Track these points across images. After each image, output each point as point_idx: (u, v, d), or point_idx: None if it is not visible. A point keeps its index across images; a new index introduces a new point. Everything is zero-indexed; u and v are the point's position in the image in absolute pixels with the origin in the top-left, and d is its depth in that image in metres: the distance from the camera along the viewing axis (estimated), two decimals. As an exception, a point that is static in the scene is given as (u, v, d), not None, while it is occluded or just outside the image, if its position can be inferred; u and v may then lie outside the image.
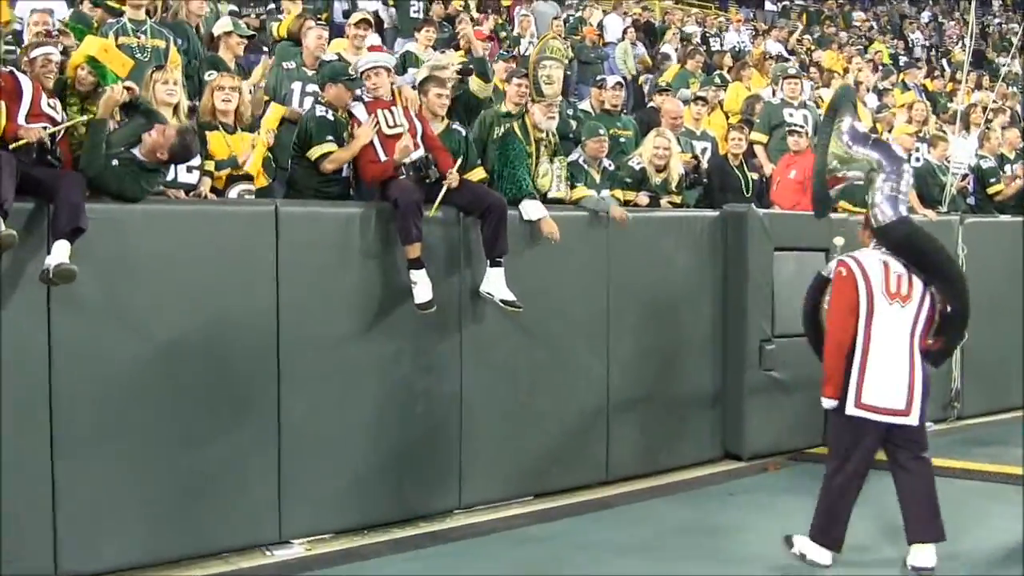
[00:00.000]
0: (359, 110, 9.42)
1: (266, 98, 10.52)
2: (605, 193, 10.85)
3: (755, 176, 13.12)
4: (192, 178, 8.64)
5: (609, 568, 8.26)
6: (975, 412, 13.51)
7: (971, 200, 14.93)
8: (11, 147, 7.58)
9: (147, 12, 10.74)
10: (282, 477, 8.56)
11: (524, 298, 9.45)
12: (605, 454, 10.55)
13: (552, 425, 10.11)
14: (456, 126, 10.18)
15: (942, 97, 22.39)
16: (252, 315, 8.43)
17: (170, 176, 8.43)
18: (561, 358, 10.14)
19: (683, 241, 11.18)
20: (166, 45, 10.43)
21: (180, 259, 8.10)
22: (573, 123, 12.47)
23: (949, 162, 14.13)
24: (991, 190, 14.98)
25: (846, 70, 21.21)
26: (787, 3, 34.73)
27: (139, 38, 10.25)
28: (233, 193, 8.94)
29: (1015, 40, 27.57)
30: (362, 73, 9.59)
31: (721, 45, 23.25)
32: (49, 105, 8.09)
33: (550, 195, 10.46)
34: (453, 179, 9.21)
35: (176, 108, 8.88)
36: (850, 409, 7.96)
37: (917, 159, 14.52)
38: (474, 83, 11.01)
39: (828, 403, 8.14)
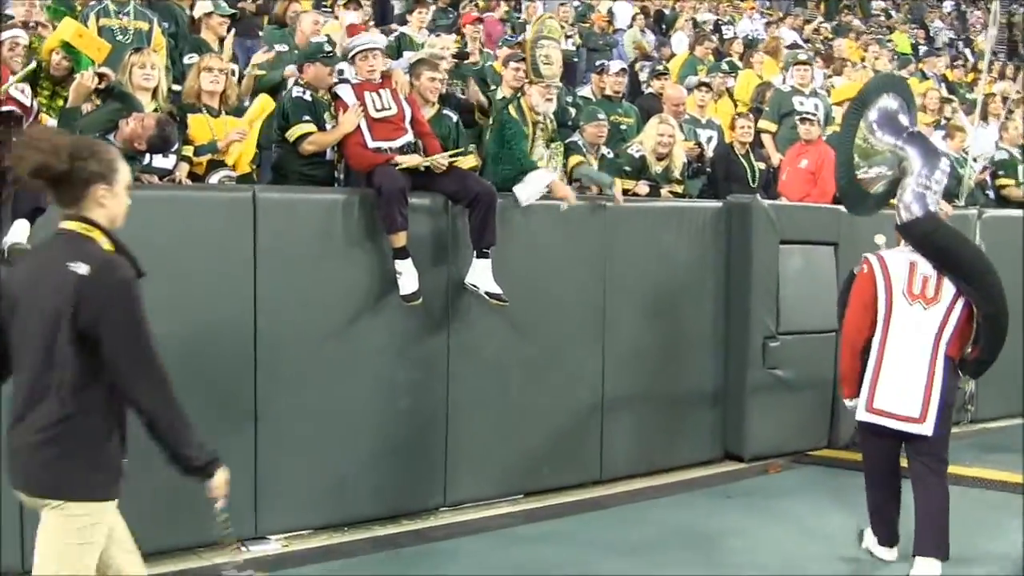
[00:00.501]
0: (346, 92, 9.12)
1: (259, 74, 10.21)
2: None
3: (762, 166, 12.81)
4: (168, 163, 8.33)
5: (596, 570, 7.98)
6: (990, 416, 13.12)
7: (990, 193, 14.51)
8: None
9: None
10: (259, 472, 8.26)
11: (515, 291, 9.16)
12: (599, 453, 10.24)
13: (544, 422, 9.79)
14: (448, 111, 9.92)
15: (962, 87, 22.01)
16: (228, 306, 8.12)
17: (144, 160, 8.11)
18: (554, 354, 9.81)
19: (684, 233, 10.83)
20: (149, 27, 10.12)
21: (152, 247, 7.24)
22: (572, 110, 12.23)
23: (967, 153, 13.74)
24: (999, 182, 14.59)
25: (863, 59, 20.83)
26: (803, -10, 34.39)
27: (121, 20, 9.95)
28: (214, 179, 8.67)
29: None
30: (355, 55, 9.30)
31: (734, 33, 22.90)
32: (16, 88, 7.76)
33: None
34: (441, 163, 8.89)
35: (155, 92, 8.62)
36: (861, 414, 7.79)
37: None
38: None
39: (849, 403, 7.98)
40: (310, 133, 8.97)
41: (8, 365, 4.66)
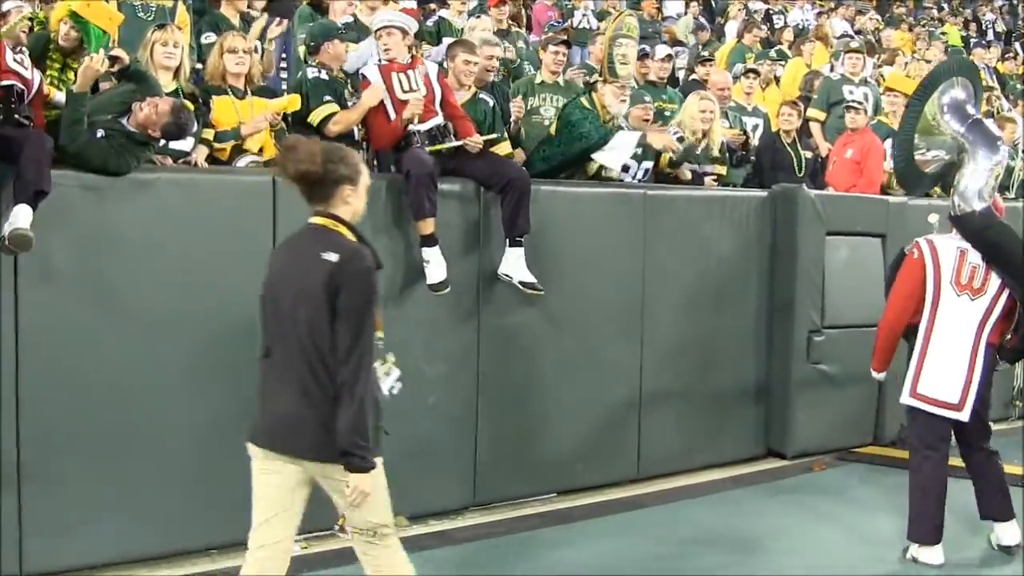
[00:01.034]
0: (372, 71, 8.84)
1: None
2: (647, 165, 10.31)
3: (808, 155, 12.47)
4: (186, 145, 7.99)
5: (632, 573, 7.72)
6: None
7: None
8: None
9: None
10: None
11: (549, 282, 8.86)
12: (636, 450, 9.90)
13: (578, 418, 9.44)
14: (484, 95, 9.56)
15: (1013, 79, 21.60)
16: (246, 296, 7.37)
17: (160, 143, 7.73)
18: (589, 347, 9.46)
19: (727, 223, 10.48)
20: (174, 4, 9.66)
21: (166, 233, 7.47)
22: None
23: (1017, 145, 13.29)
24: None
25: (914, 51, 20.44)
26: (856, -19, 34.06)
27: None
28: (241, 164, 8.35)
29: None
30: (375, 32, 9.03)
31: (785, 22, 22.59)
32: (16, 60, 7.38)
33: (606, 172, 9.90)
34: (474, 144, 8.62)
35: (177, 72, 8.24)
36: (905, 398, 7.89)
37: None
38: None
39: (876, 375, 8.30)
40: (334, 113, 8.67)
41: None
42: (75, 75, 7.53)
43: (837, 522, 8.87)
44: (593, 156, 9.49)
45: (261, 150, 8.44)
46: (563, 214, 9.22)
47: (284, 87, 11.01)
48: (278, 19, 10.67)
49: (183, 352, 7.53)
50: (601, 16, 18.28)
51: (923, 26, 25.92)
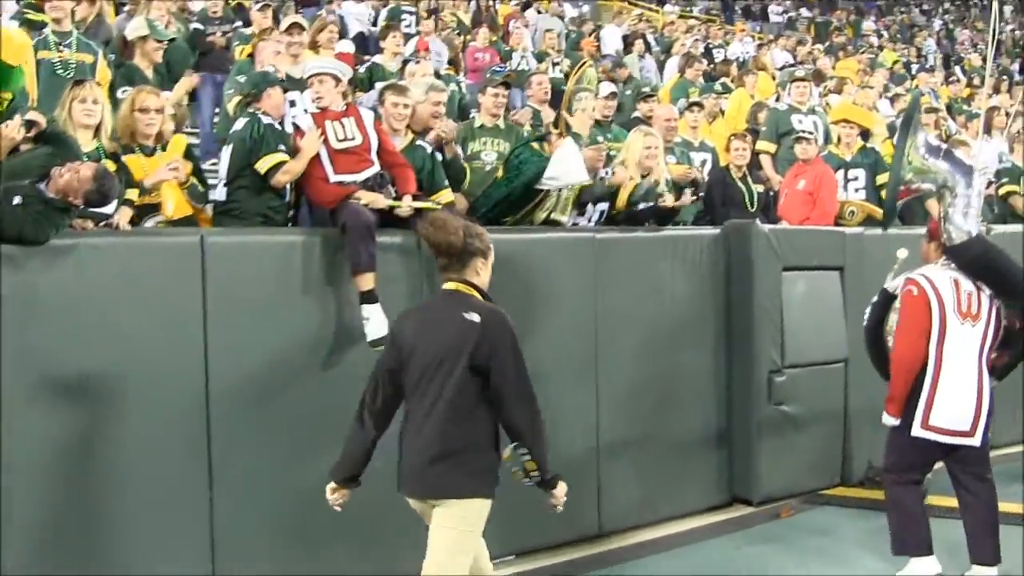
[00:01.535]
0: (304, 120, 8.52)
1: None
2: (602, 207, 10.16)
3: (760, 188, 12.14)
4: (108, 207, 7.49)
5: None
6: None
7: (995, 208, 13.81)
8: None
9: (76, 23, 9.70)
10: (216, 541, 7.55)
11: None
12: (597, 504, 9.49)
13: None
14: (421, 142, 9.21)
15: (958, 102, 21.57)
16: (176, 362, 7.38)
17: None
18: (544, 397, 8.63)
19: (680, 262, 10.15)
20: (94, 60, 9.36)
21: (89, 298, 7.05)
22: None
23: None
24: (1004, 189, 13.98)
25: (859, 81, 20.36)
26: (793, 15, 34.40)
27: (63, 52, 9.17)
28: (149, 224, 8.00)
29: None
30: (307, 80, 8.74)
31: (725, 56, 22.53)
32: None
33: (555, 216, 9.62)
34: (403, 210, 8.26)
35: (97, 131, 7.88)
36: (916, 430, 7.84)
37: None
38: None
39: (890, 421, 8.02)
40: (283, 163, 8.29)
41: (400, 395, 6.07)
42: None
43: (814, 570, 8.63)
44: (547, 183, 9.16)
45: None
46: (512, 261, 8.77)
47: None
48: (188, 71, 10.34)
49: (113, 425, 7.13)
50: (540, 57, 18.11)
51: (863, 53, 25.98)
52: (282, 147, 8.33)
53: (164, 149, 8.23)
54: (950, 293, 7.83)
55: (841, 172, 12.00)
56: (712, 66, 20.02)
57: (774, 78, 17.85)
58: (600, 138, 10.60)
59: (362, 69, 12.53)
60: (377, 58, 13.21)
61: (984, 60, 28.59)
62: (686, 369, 10.14)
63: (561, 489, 6.21)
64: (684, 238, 10.30)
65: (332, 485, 6.34)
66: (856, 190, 12.09)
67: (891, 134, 13.96)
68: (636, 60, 20.09)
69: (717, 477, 10.45)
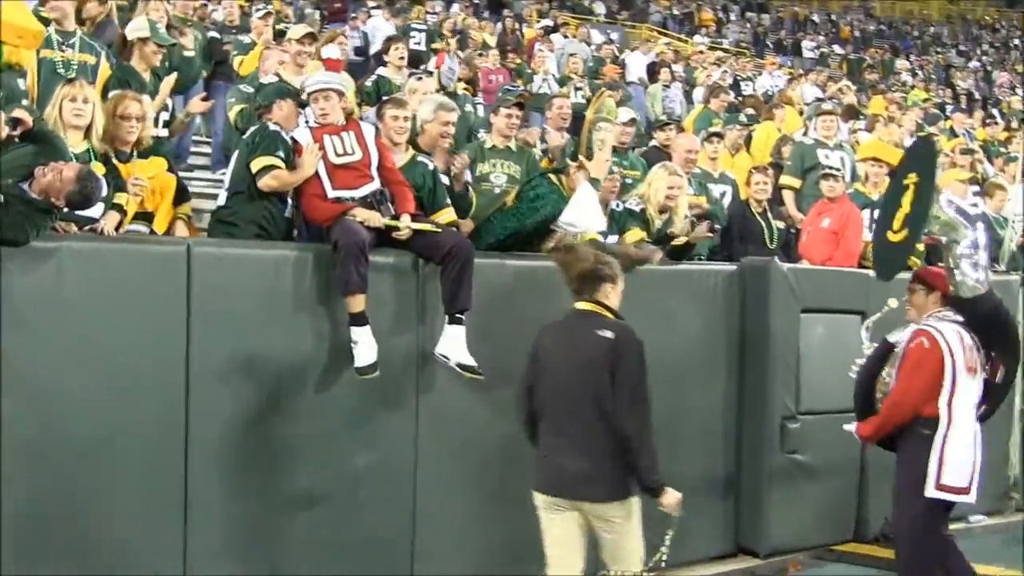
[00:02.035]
0: (303, 135, 8.16)
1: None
2: (612, 239, 9.63)
3: (781, 225, 11.82)
4: (94, 211, 7.23)
5: None
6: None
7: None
8: None
9: (84, 20, 9.41)
10: (187, 562, 7.21)
11: (494, 363, 8.05)
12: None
13: (527, 515, 8.40)
14: (423, 158, 8.83)
15: (994, 145, 21.22)
16: (156, 378, 7.06)
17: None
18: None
19: (692, 299, 9.77)
20: (96, 61, 9.03)
21: (68, 307, 6.76)
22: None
23: (1007, 214, 12.83)
24: None
25: (890, 117, 20.02)
26: (826, 51, 34.23)
27: (65, 52, 8.81)
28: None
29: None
30: (309, 95, 8.38)
31: (753, 89, 22.25)
32: None
33: None
34: (402, 233, 7.92)
35: (88, 131, 7.57)
36: (930, 491, 7.68)
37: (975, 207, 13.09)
38: None
39: (857, 434, 8.17)
40: (274, 167, 7.94)
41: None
42: None
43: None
44: (562, 225, 8.75)
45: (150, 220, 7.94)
46: (510, 289, 8.55)
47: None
48: (203, 95, 10.03)
49: (88, 439, 6.81)
50: (563, 82, 17.88)
51: (894, 91, 25.68)
52: (279, 153, 8.00)
53: (142, 156, 7.98)
54: (959, 348, 7.75)
55: (867, 211, 11.56)
56: (740, 99, 19.87)
57: (801, 113, 17.48)
58: (615, 167, 10.13)
59: (368, 82, 12.22)
60: (382, 71, 12.93)
61: (1024, 103, 28.40)
62: (694, 410, 9.72)
63: (670, 497, 6.64)
64: (698, 273, 9.96)
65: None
66: (883, 231, 11.67)
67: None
68: (660, 89, 19.88)
69: (723, 525, 10.06)
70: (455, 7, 26.68)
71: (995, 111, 28.49)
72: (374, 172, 8.10)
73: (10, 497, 6.48)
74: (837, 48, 35.81)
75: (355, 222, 7.67)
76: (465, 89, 15.13)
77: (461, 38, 21.32)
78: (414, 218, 8.00)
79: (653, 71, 21.42)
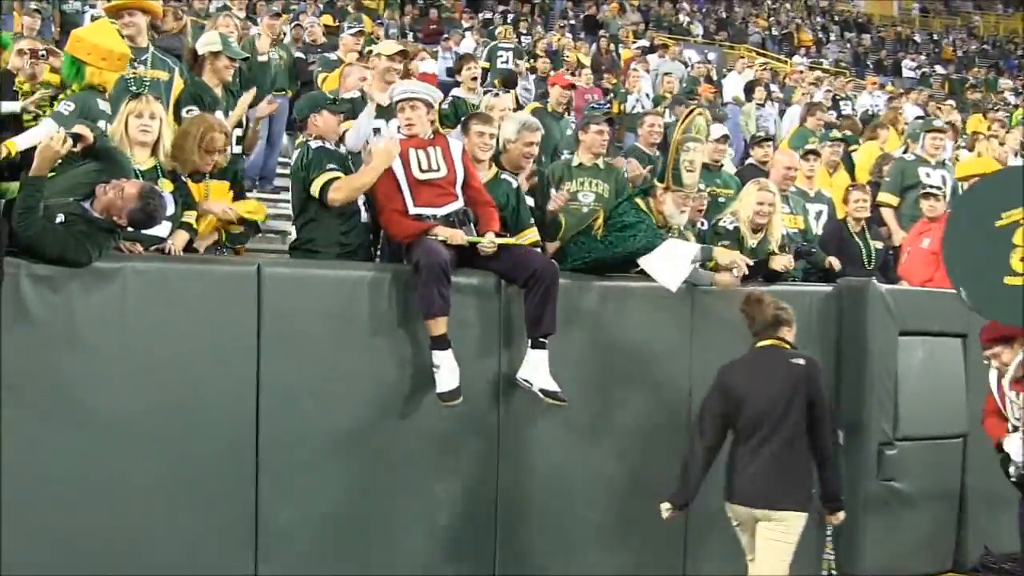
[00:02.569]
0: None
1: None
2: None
3: (879, 245, 11.49)
4: (161, 230, 7.14)
5: None
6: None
7: None
8: None
9: (153, 37, 9.39)
10: None
11: (581, 388, 8.00)
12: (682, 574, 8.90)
13: (616, 545, 8.45)
14: (506, 176, 8.62)
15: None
16: (224, 405, 6.96)
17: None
18: (628, 463, 8.48)
19: (786, 321, 9.35)
20: (170, 77, 8.93)
21: (135, 329, 6.68)
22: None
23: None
24: None
25: (993, 134, 19.56)
26: (927, 71, 33.61)
27: (137, 69, 8.69)
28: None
29: None
30: (397, 105, 8.17)
31: (852, 108, 21.84)
32: None
33: None
34: (487, 247, 7.70)
35: (155, 148, 7.42)
36: None
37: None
38: None
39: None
40: (334, 180, 7.78)
41: (723, 436, 7.51)
42: None
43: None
44: (643, 266, 8.51)
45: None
46: (596, 311, 8.36)
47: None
48: (270, 97, 9.89)
49: (152, 468, 6.71)
50: (657, 101, 17.64)
51: (997, 111, 25.09)
52: (331, 166, 7.85)
53: (215, 177, 7.88)
54: None
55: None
56: (839, 119, 19.45)
57: (901, 133, 17.04)
58: (701, 185, 9.82)
59: (444, 104, 12.09)
60: (456, 91, 12.71)
61: None
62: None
63: (839, 517, 7.82)
64: (792, 294, 9.41)
65: (668, 506, 7.43)
66: (985, 251, 11.28)
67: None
68: (754, 108, 19.60)
69: (817, 554, 9.45)
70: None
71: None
72: (458, 190, 7.91)
73: (75, 530, 6.44)
74: (939, 68, 35.15)
75: (436, 242, 7.47)
76: (561, 108, 14.88)
77: (556, 58, 21.19)
78: (498, 235, 7.82)
79: (749, 91, 21.14)
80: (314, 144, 8.00)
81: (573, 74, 18.64)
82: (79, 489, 6.48)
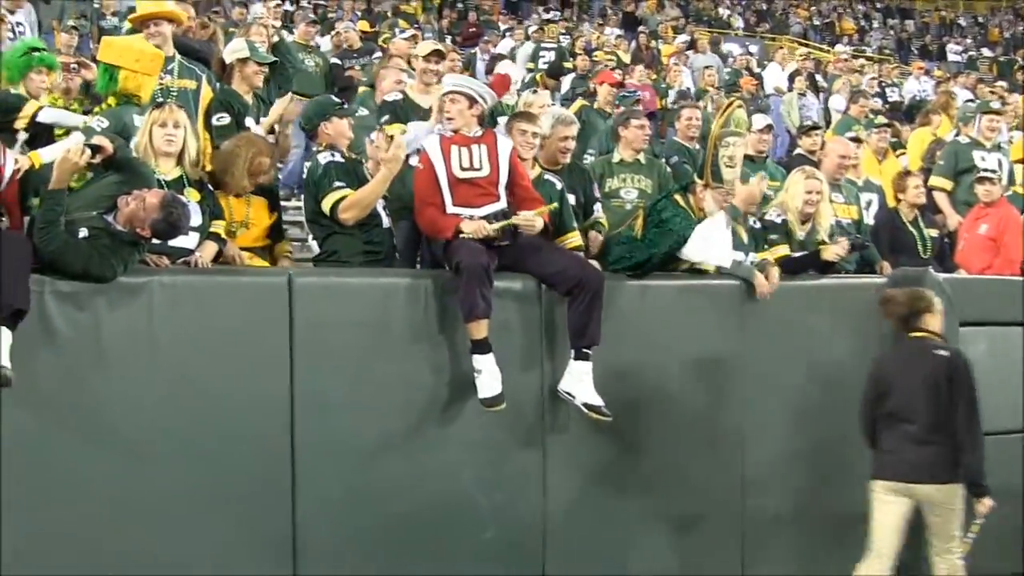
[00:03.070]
0: (431, 142, 7.77)
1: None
2: (753, 257, 9.00)
3: (934, 233, 11.08)
4: (189, 242, 6.98)
5: None
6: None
7: None
8: None
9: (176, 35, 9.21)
10: None
11: (626, 395, 7.80)
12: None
13: (665, 555, 8.21)
14: (550, 176, 8.39)
15: None
16: (257, 420, 6.84)
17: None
18: (677, 472, 8.26)
19: (840, 316, 9.15)
20: (197, 86, 8.77)
21: (164, 343, 6.60)
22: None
23: None
24: None
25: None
26: (974, 54, 33.14)
27: (164, 79, 8.52)
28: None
29: None
30: (440, 98, 8.04)
31: (899, 95, 21.50)
32: None
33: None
34: (531, 222, 7.51)
35: (180, 157, 7.24)
36: None
37: None
38: None
39: None
40: (343, 197, 7.52)
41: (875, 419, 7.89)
42: None
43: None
44: (685, 257, 8.34)
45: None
46: (640, 313, 8.14)
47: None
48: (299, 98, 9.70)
49: (187, 485, 6.62)
50: (699, 95, 17.40)
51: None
52: (339, 183, 7.58)
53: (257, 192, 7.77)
54: None
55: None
56: (885, 106, 19.35)
57: (953, 119, 16.67)
58: (753, 176, 9.54)
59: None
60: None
61: None
62: (843, 439, 8.88)
63: (987, 502, 7.74)
64: (845, 288, 9.39)
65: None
66: (1045, 235, 10.93)
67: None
68: (795, 97, 19.39)
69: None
70: (586, 25, 26.53)
71: None
72: (501, 191, 7.67)
73: (109, 551, 6.36)
74: (986, 51, 34.66)
75: (477, 243, 7.25)
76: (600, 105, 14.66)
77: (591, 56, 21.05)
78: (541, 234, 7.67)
79: (792, 81, 20.89)
80: (323, 158, 7.73)
81: (617, 71, 18.48)
82: (113, 509, 6.40)
